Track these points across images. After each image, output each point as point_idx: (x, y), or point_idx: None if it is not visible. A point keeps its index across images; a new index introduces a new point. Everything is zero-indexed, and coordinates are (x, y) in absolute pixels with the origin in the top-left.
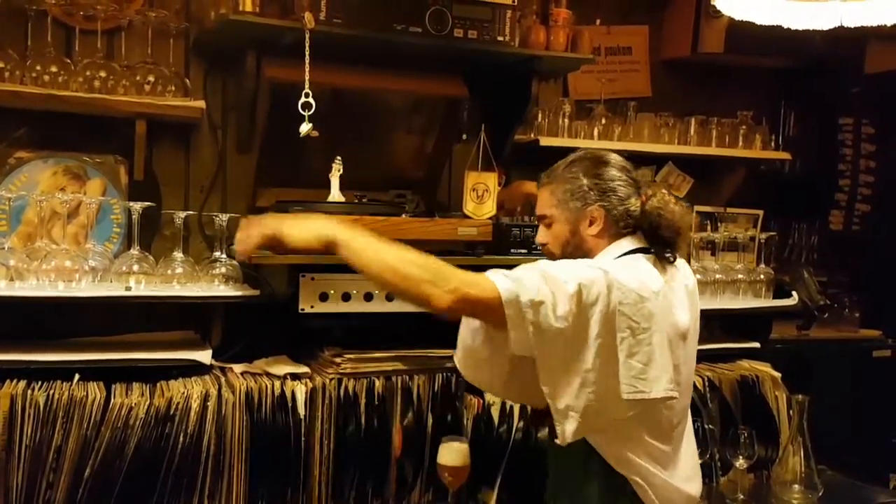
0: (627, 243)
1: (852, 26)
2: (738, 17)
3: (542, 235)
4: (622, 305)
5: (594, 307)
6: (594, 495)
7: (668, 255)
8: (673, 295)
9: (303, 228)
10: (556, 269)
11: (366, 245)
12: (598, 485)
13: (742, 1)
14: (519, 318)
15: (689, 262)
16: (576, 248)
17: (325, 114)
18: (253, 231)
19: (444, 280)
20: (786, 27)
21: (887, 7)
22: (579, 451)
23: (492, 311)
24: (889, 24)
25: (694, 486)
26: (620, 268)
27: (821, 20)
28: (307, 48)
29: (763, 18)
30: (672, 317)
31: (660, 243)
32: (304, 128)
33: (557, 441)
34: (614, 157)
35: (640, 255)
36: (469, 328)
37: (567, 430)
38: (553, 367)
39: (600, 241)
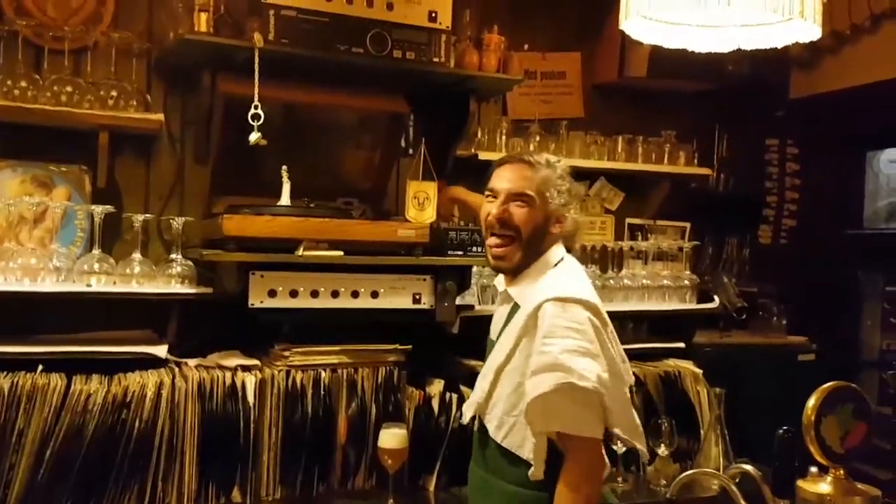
0: (562, 247)
1: (749, 49)
2: (646, 42)
3: (510, 210)
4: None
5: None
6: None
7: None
8: None
9: None
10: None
11: None
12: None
13: (649, 27)
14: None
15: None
16: (537, 241)
17: (277, 127)
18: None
19: None
20: (694, 52)
21: (776, 33)
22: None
23: None
24: (780, 47)
25: None
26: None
27: (721, 44)
28: (256, 65)
29: (669, 43)
30: None
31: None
32: (253, 136)
33: None
34: None
35: (577, 264)
36: None
37: None
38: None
39: (555, 242)
